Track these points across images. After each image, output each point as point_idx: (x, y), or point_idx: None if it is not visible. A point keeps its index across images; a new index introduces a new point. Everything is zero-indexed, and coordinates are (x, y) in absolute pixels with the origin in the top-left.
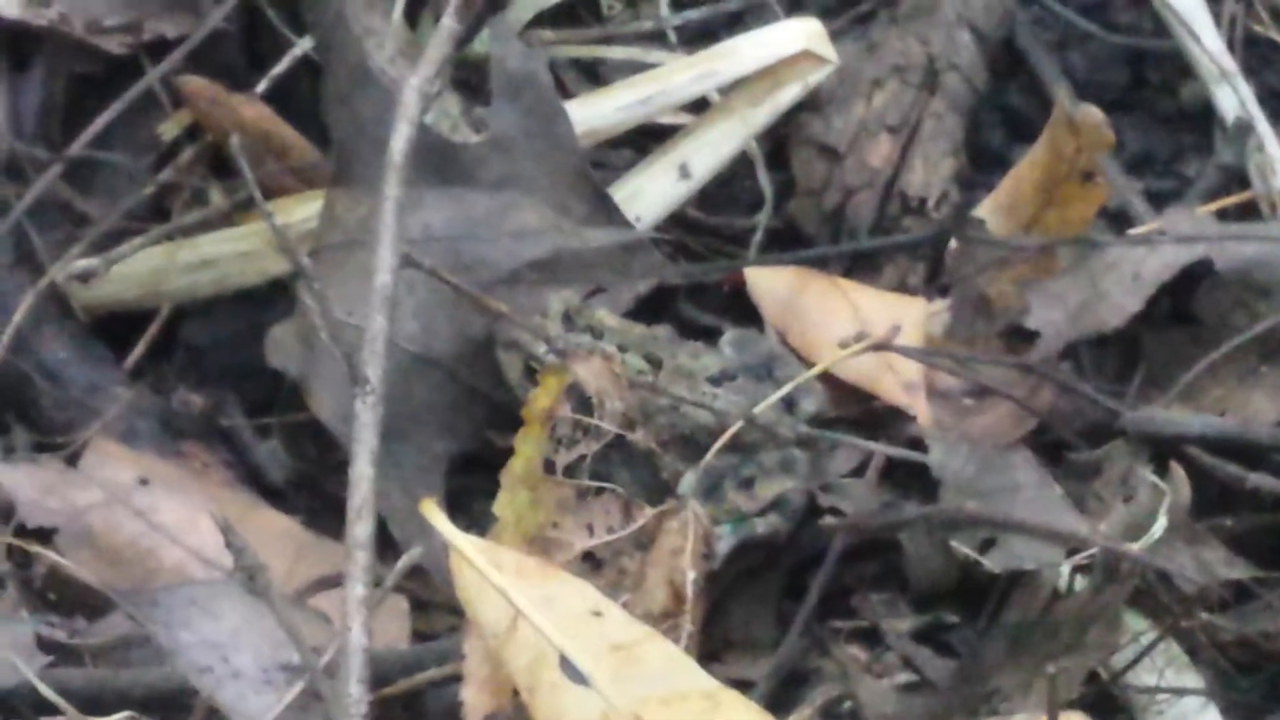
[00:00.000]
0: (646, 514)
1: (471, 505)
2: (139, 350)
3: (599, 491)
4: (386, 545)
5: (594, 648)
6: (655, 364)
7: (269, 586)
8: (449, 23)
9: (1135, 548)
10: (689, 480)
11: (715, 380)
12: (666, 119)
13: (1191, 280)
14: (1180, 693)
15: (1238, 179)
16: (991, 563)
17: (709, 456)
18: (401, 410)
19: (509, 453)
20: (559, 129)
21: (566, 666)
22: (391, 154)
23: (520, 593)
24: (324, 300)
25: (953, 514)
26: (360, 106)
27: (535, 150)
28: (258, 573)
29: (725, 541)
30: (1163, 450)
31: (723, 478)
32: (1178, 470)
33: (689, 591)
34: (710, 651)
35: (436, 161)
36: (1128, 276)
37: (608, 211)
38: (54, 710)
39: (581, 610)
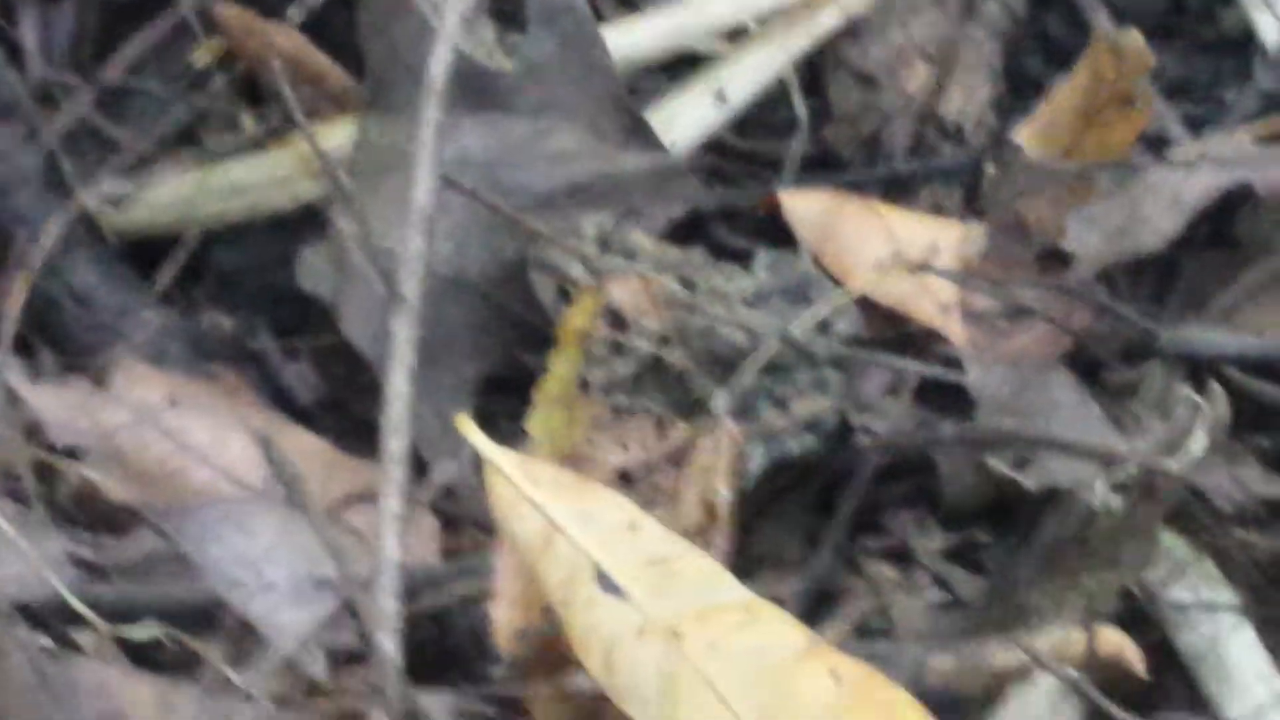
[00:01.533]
0: (680, 432)
1: (500, 426)
2: (169, 274)
3: (633, 410)
4: (416, 467)
5: (630, 561)
6: (689, 286)
7: (308, 497)
8: None
9: (1173, 465)
10: (723, 398)
11: (750, 302)
12: (703, 46)
13: (1231, 204)
14: (1215, 609)
15: (1277, 105)
16: (1028, 480)
17: (743, 374)
18: (433, 332)
19: (539, 375)
20: (595, 55)
21: (603, 580)
22: (431, 77)
23: (556, 507)
24: (364, 219)
25: (989, 432)
26: (396, 33)
27: (571, 76)
28: (296, 483)
29: (758, 461)
30: (1199, 371)
31: (757, 397)
32: (1216, 389)
33: (722, 509)
34: (741, 569)
35: (472, 88)
36: (1167, 200)
37: (643, 136)
38: (83, 623)
39: (618, 524)
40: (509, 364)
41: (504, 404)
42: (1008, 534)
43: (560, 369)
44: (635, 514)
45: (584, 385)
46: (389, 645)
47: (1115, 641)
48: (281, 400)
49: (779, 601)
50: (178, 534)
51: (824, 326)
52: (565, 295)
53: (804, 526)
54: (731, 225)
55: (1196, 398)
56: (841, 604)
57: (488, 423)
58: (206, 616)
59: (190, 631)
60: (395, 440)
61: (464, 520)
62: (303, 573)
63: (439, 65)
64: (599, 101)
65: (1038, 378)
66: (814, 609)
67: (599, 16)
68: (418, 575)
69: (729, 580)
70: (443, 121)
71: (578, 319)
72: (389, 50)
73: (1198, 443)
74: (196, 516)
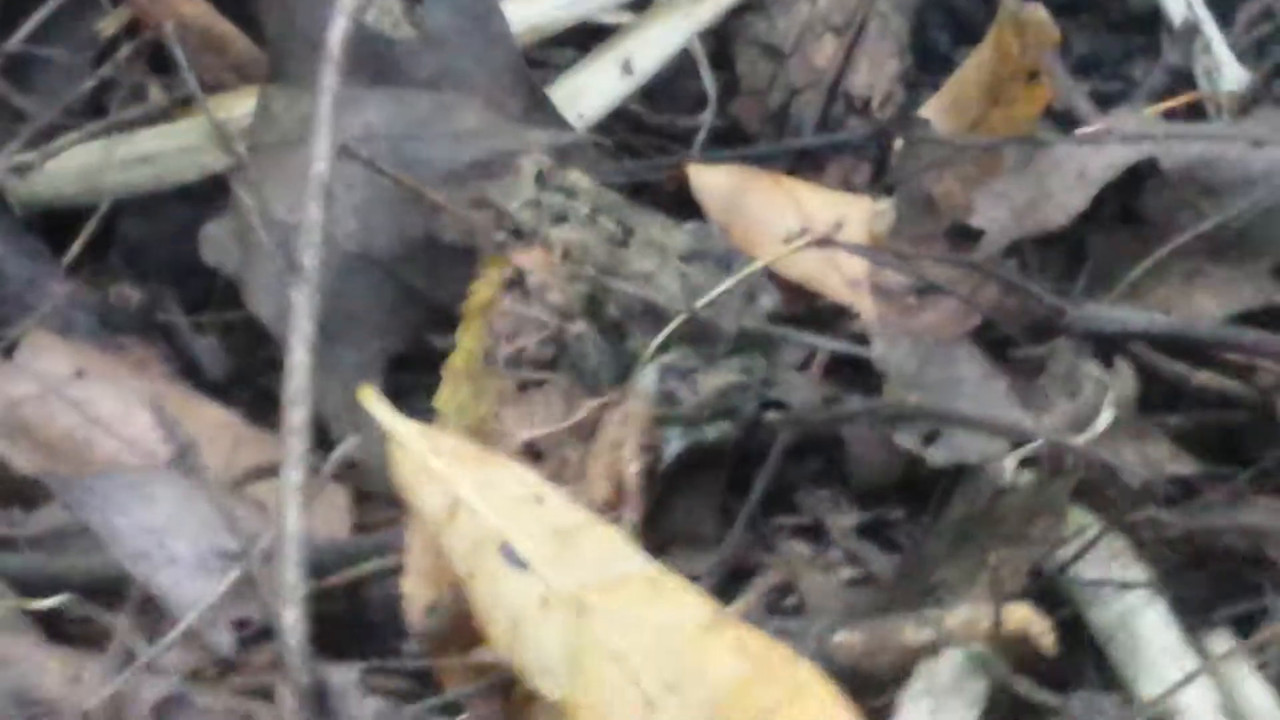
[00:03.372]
0: (588, 406)
1: (412, 403)
2: (77, 245)
3: (540, 383)
4: (326, 444)
5: (535, 532)
6: (628, 230)
7: (203, 466)
8: None
9: (1080, 441)
10: (638, 372)
11: (685, 258)
12: (609, 17)
13: (1138, 180)
14: (1126, 586)
15: (1185, 80)
16: (934, 457)
17: (652, 348)
18: (340, 308)
19: (447, 353)
20: (493, 25)
21: (507, 552)
22: (328, 47)
23: (460, 478)
24: (259, 193)
25: (895, 408)
26: (294, 3)
27: (470, 47)
28: (191, 452)
29: (673, 445)
30: (1107, 347)
31: (670, 371)
32: (1123, 365)
33: (631, 483)
34: (654, 546)
35: (372, 58)
36: (1073, 175)
37: (545, 109)
38: None
39: (522, 495)
40: (418, 342)
41: (417, 380)
42: (921, 510)
43: (466, 343)
44: (540, 486)
45: (491, 359)
46: (292, 618)
47: (1023, 617)
48: (191, 373)
49: (692, 578)
50: (81, 505)
51: (749, 299)
52: (505, 233)
53: (718, 503)
54: (641, 199)
55: (1103, 374)
56: (754, 581)
57: (399, 399)
58: (115, 588)
59: (99, 604)
60: (296, 412)
61: (377, 495)
62: (206, 545)
63: (336, 35)
64: (499, 74)
65: (944, 353)
66: (727, 586)
67: None
68: (329, 549)
69: (634, 552)
70: (345, 94)
71: (483, 292)
72: (288, 20)
73: (1104, 419)
74: (100, 488)
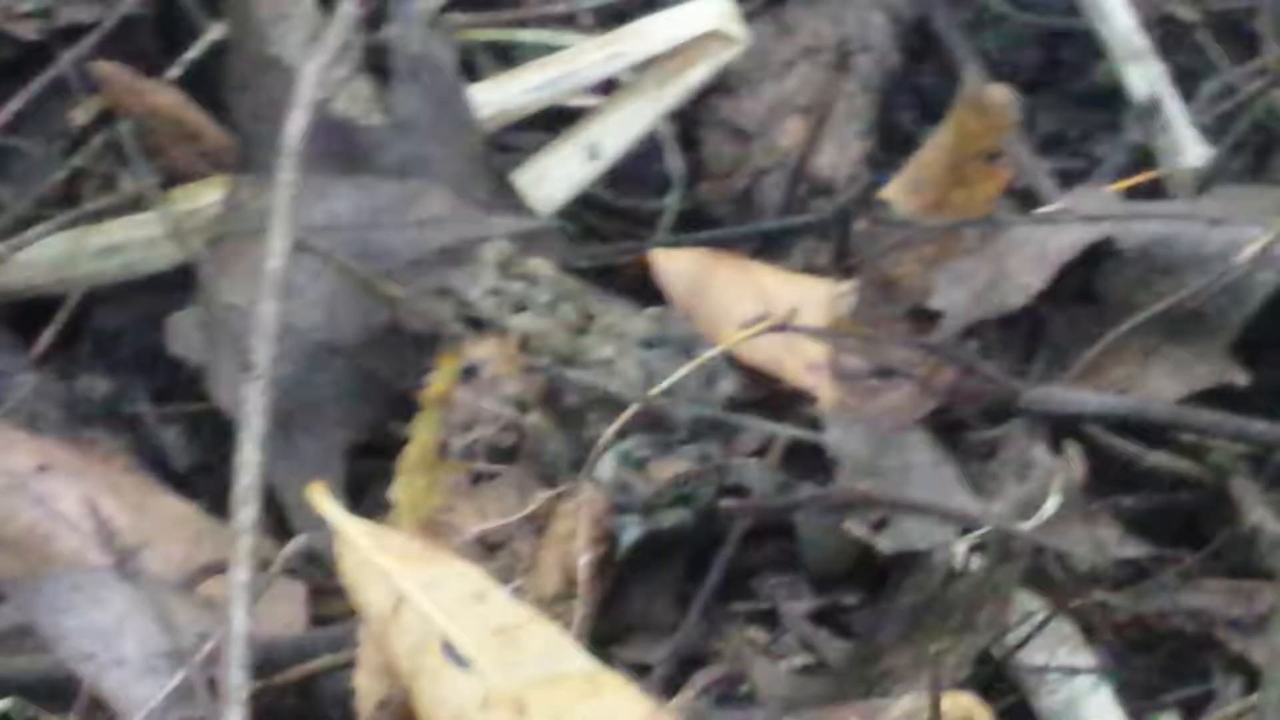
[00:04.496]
0: (540, 498)
1: (378, 492)
2: (48, 336)
3: (494, 475)
4: (290, 534)
5: (476, 631)
6: (588, 317)
7: (139, 569)
8: (349, 7)
9: (1027, 526)
10: (593, 461)
11: (646, 344)
12: (578, 101)
13: (1097, 259)
14: (1073, 672)
15: (1147, 158)
16: (883, 543)
17: (607, 436)
18: (302, 399)
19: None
20: (459, 111)
21: (448, 650)
22: (287, 138)
23: (404, 576)
24: (214, 286)
25: (845, 494)
26: (261, 92)
27: (437, 133)
28: (129, 555)
29: (630, 533)
30: (1061, 429)
31: (625, 459)
32: (1071, 448)
33: (582, 574)
34: (611, 634)
35: (340, 147)
36: (1032, 256)
37: (510, 196)
38: None
39: (465, 593)
40: (381, 431)
41: (379, 467)
42: (876, 596)
43: (421, 434)
44: (482, 583)
45: (445, 450)
46: (236, 718)
47: (965, 705)
48: (156, 465)
49: (648, 668)
50: (30, 606)
51: (709, 384)
52: (465, 321)
53: (676, 590)
54: (605, 284)
55: (1051, 459)
56: (708, 668)
57: (362, 487)
58: (65, 690)
59: (47, 705)
60: (245, 510)
61: (335, 589)
62: (154, 646)
63: (294, 129)
64: (465, 159)
65: (896, 439)
66: (684, 671)
67: (474, 71)
68: (280, 644)
69: (574, 650)
70: (310, 183)
71: (439, 384)
72: (255, 109)
73: (1052, 504)
74: (48, 588)
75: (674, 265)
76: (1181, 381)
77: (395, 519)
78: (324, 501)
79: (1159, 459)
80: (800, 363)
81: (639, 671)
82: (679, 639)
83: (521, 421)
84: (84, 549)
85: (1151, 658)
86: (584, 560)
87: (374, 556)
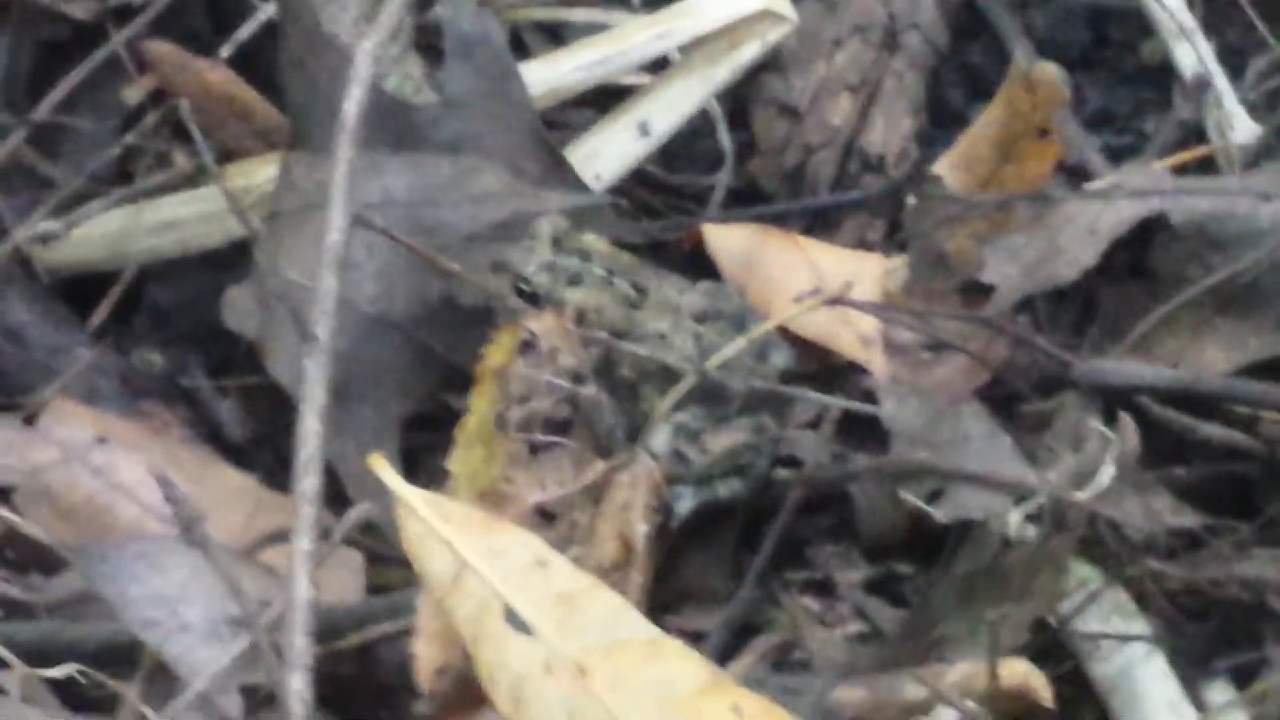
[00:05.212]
0: (597, 468)
1: (430, 463)
2: (103, 311)
3: (551, 446)
4: (345, 504)
5: (538, 598)
6: (642, 292)
7: (206, 537)
8: None
9: (1081, 496)
10: (649, 432)
11: (699, 318)
12: (628, 79)
13: (1148, 234)
14: (1126, 640)
15: (1196, 134)
16: (939, 513)
17: (663, 407)
18: (359, 371)
19: (464, 413)
20: (512, 89)
21: (510, 616)
22: (344, 116)
23: (465, 543)
24: (270, 261)
25: (901, 464)
26: (315, 71)
27: (489, 111)
28: (195, 523)
29: (685, 503)
30: (1114, 401)
31: (682, 431)
32: (1126, 419)
33: (639, 544)
34: (666, 603)
35: (393, 124)
36: (1083, 230)
37: (563, 171)
38: (3, 663)
39: (527, 561)
40: (435, 403)
41: (434, 439)
42: (930, 565)
43: (479, 406)
44: (544, 551)
45: (503, 422)
46: (299, 683)
47: (1021, 672)
48: (213, 437)
49: (702, 635)
50: (95, 573)
51: (761, 358)
52: (522, 294)
53: (730, 560)
54: (657, 259)
55: (1105, 430)
56: (762, 636)
57: (419, 460)
58: (128, 656)
59: (111, 671)
60: (307, 480)
61: (392, 557)
62: (218, 612)
63: (352, 106)
64: (518, 136)
65: (951, 410)
66: (735, 642)
67: (524, 49)
68: (339, 612)
69: (635, 616)
70: (364, 160)
71: (496, 356)
72: (309, 86)
73: (1106, 474)
74: (114, 555)
75: (726, 240)
76: (1233, 354)
77: (453, 489)
78: (386, 471)
79: (1211, 430)
80: (853, 336)
81: (694, 639)
82: (733, 608)
83: (577, 394)
84: (142, 519)
85: (1204, 626)
86: (640, 530)
87: (436, 525)
